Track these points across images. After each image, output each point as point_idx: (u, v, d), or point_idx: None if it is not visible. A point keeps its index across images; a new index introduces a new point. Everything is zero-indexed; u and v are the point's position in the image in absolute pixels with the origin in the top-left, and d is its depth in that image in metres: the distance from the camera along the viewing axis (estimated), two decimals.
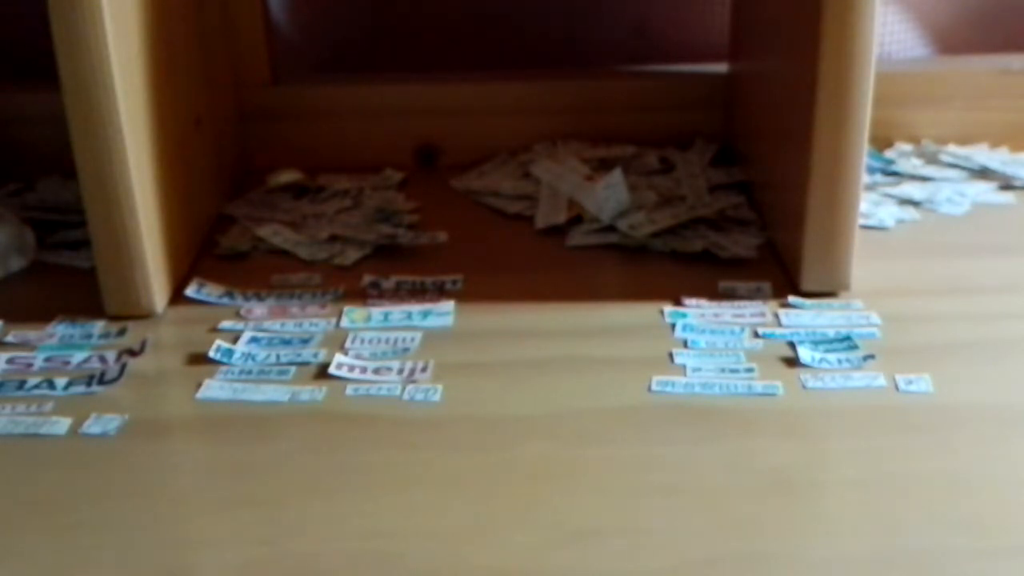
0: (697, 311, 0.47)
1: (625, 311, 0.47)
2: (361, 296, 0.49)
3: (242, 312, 0.48)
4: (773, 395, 0.40)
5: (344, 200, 0.60)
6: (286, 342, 0.45)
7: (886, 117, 0.64)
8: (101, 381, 0.42)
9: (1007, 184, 0.61)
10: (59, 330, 0.46)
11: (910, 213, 0.58)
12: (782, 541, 0.32)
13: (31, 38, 0.55)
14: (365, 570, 0.32)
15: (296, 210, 0.58)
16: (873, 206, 0.58)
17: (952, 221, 0.57)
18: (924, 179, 0.62)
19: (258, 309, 0.48)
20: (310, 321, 0.47)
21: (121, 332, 0.46)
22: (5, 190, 0.62)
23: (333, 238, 0.55)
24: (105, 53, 0.43)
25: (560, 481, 0.35)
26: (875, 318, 0.46)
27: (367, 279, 0.51)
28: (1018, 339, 0.44)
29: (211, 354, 0.44)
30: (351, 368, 0.43)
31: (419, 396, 0.41)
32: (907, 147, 0.65)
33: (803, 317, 0.46)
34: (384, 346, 0.45)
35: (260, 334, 0.46)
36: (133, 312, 0.47)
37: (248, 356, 0.44)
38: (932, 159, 0.64)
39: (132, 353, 0.44)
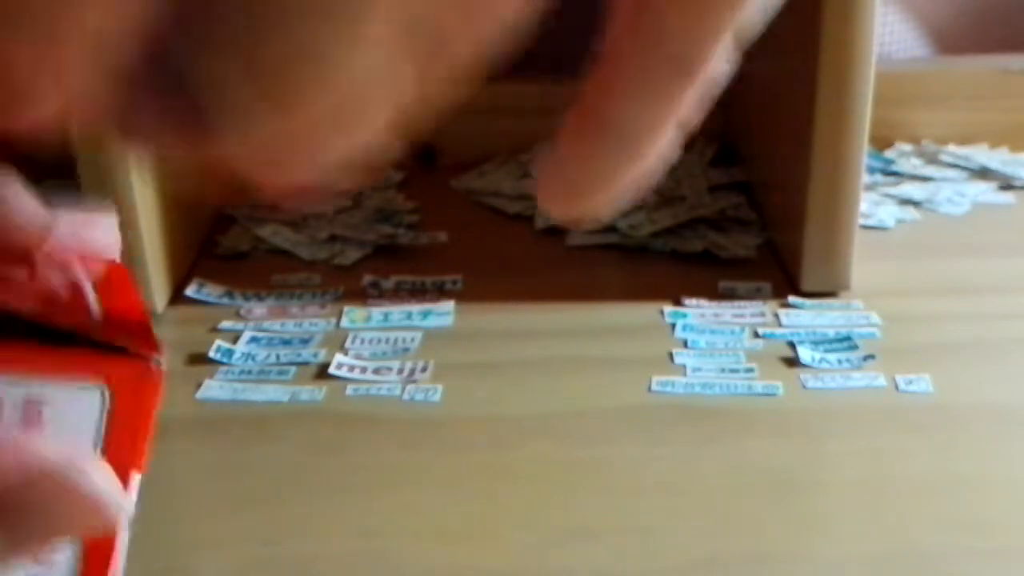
0: (697, 311, 0.47)
1: (625, 311, 0.47)
2: (361, 296, 0.49)
3: (242, 312, 0.48)
4: (773, 395, 0.40)
5: (344, 200, 0.60)
6: (286, 342, 0.45)
7: (886, 117, 0.64)
8: None
9: (1007, 184, 0.61)
10: None
11: (910, 213, 0.58)
12: (782, 541, 0.32)
13: None
14: (365, 570, 0.32)
15: (296, 210, 0.58)
16: (873, 206, 0.58)
17: (952, 221, 0.57)
18: (924, 179, 0.62)
19: (258, 309, 0.48)
20: (310, 321, 0.47)
21: None
22: None
23: (333, 238, 0.55)
24: None
25: (560, 481, 0.35)
26: (875, 318, 0.46)
27: (367, 279, 0.51)
28: (1018, 339, 0.44)
29: (211, 354, 0.44)
30: (351, 368, 0.43)
31: (419, 396, 0.41)
32: (907, 147, 0.65)
33: (803, 317, 0.46)
34: (384, 346, 0.45)
35: (260, 334, 0.46)
36: None
37: (248, 356, 0.44)
38: (932, 159, 0.64)
39: None
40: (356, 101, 0.12)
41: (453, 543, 0.33)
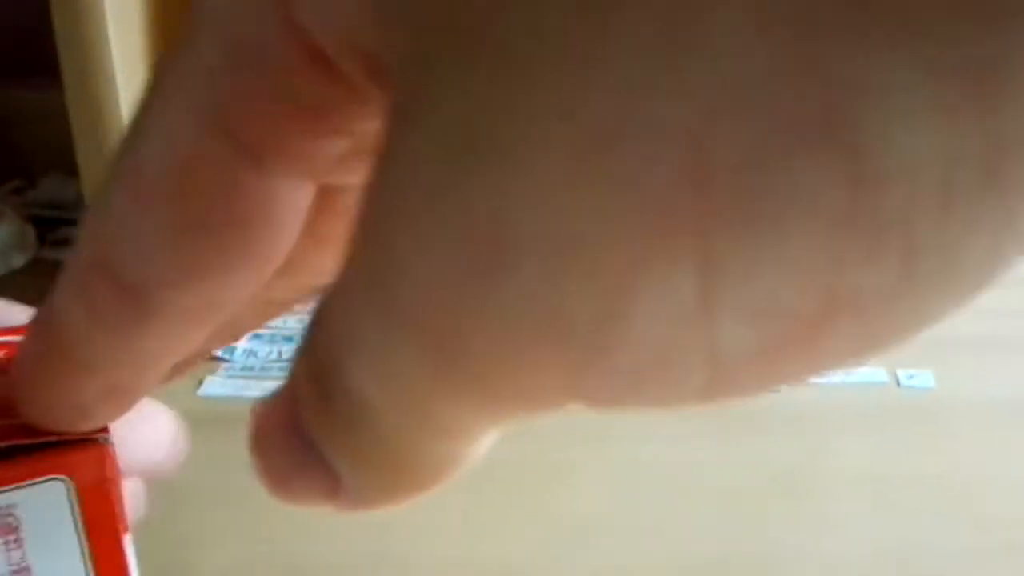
0: None
1: None
2: None
3: None
4: (774, 390, 0.40)
5: None
6: (288, 339, 0.45)
7: None
8: None
9: None
10: None
11: None
12: (783, 537, 0.32)
13: (32, 35, 0.55)
14: (365, 569, 0.32)
15: None
16: None
17: None
18: None
19: None
20: None
21: None
22: (7, 188, 0.62)
23: None
24: (107, 50, 0.43)
25: (560, 480, 0.35)
26: None
27: None
28: (1020, 334, 0.44)
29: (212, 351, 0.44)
30: None
31: None
32: None
33: None
34: None
35: (262, 330, 0.46)
36: None
37: (250, 353, 0.44)
38: None
39: None
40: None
41: (453, 540, 0.33)
